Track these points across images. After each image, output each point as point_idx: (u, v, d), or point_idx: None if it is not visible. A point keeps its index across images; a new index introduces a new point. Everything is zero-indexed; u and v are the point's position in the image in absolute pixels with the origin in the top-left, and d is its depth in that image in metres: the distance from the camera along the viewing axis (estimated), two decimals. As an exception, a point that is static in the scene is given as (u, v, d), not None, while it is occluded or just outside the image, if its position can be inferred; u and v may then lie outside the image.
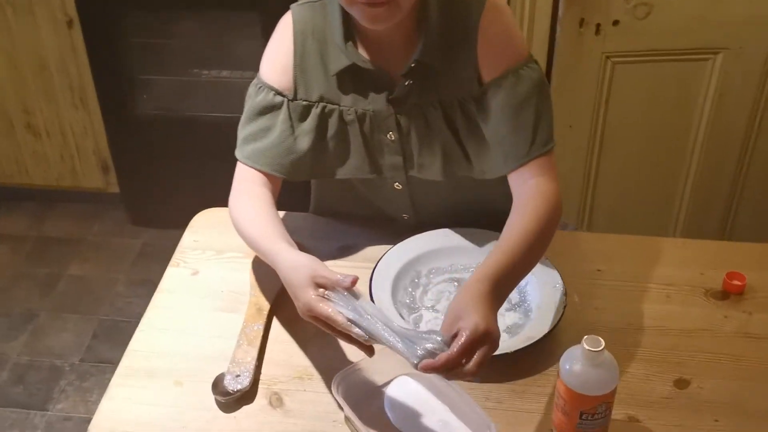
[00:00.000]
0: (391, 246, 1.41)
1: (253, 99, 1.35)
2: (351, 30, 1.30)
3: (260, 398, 1.20)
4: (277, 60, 1.35)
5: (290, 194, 1.47)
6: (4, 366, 2.41)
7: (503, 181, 1.32)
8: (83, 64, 2.64)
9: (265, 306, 1.33)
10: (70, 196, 3.00)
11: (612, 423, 1.11)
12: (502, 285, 1.15)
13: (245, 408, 1.19)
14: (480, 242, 1.42)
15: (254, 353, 1.24)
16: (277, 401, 1.20)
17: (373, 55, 1.31)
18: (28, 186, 2.96)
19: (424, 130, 1.33)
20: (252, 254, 1.41)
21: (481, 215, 1.45)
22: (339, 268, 1.17)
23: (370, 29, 1.25)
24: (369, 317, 1.08)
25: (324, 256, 1.33)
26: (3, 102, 2.76)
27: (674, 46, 2.15)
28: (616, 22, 2.12)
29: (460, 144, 1.33)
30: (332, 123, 1.34)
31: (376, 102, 1.32)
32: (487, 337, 1.05)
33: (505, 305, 1.28)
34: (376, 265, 1.37)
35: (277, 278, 1.21)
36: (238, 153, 1.37)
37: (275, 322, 1.32)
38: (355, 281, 1.12)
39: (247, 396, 1.19)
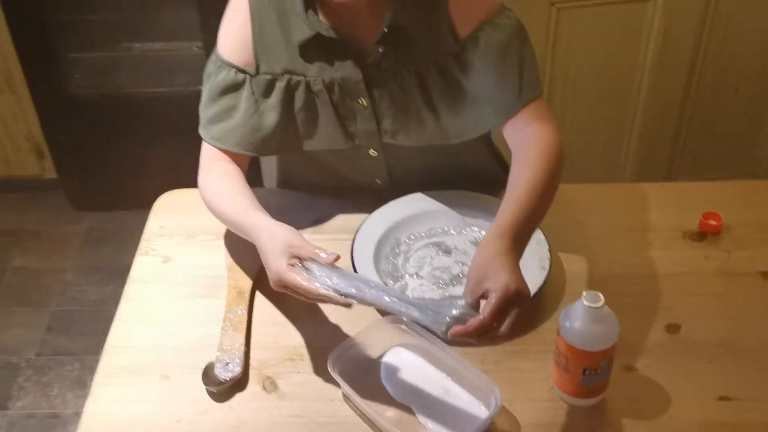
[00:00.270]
0: (366, 215, 1.38)
1: (214, 78, 1.30)
2: None
3: (253, 384, 1.16)
4: (235, 35, 1.28)
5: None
6: (-43, 369, 2.31)
7: (478, 140, 1.29)
8: (7, 44, 2.50)
9: (246, 288, 1.28)
10: (4, 185, 2.87)
11: (610, 375, 1.11)
12: (520, 237, 1.11)
13: (239, 395, 1.15)
14: (456, 204, 1.40)
15: (241, 339, 1.20)
16: (270, 385, 1.16)
17: (338, 22, 1.25)
18: (-42, 178, 2.82)
19: (399, 95, 1.29)
20: (224, 236, 1.37)
21: (457, 175, 1.43)
22: (315, 242, 1.13)
23: None
24: (374, 291, 1.05)
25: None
26: None
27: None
28: (560, -30, 2.10)
29: (434, 108, 1.29)
30: (299, 95, 1.29)
31: (344, 69, 1.27)
32: (519, 295, 1.01)
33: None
34: (355, 236, 1.34)
35: (254, 257, 1.16)
36: (203, 133, 1.32)
37: (257, 304, 1.28)
38: (336, 259, 1.08)
39: (239, 383, 1.16)
